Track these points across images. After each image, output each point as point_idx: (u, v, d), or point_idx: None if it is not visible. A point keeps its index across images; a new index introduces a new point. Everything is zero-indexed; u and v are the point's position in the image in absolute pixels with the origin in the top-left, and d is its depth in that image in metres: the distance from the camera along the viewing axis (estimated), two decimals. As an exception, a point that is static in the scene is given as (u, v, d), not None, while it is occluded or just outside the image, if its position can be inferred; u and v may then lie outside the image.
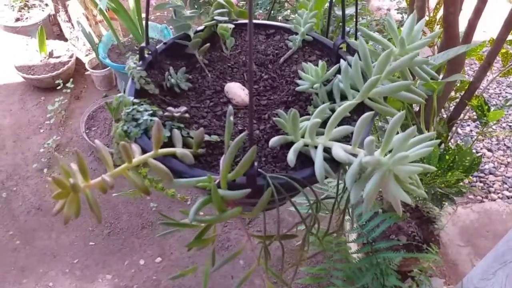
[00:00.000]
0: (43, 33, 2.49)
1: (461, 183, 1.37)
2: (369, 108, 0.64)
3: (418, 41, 0.66)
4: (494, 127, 2.44)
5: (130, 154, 0.52)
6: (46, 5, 2.83)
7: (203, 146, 0.60)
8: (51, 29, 2.84)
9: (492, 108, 1.49)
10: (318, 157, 0.54)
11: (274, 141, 0.58)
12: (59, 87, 2.41)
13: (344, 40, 0.70)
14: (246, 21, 0.81)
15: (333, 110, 0.63)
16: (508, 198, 2.15)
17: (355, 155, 0.53)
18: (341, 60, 0.66)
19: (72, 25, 2.55)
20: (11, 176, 2.21)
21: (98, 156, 2.23)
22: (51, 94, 2.56)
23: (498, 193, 2.18)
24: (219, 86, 0.71)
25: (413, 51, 0.66)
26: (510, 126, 2.44)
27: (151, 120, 0.59)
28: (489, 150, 2.34)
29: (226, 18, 0.76)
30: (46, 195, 2.15)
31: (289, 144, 0.60)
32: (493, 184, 2.21)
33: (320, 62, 0.65)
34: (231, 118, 0.55)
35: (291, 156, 0.55)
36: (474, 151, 1.97)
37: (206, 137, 0.60)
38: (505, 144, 2.36)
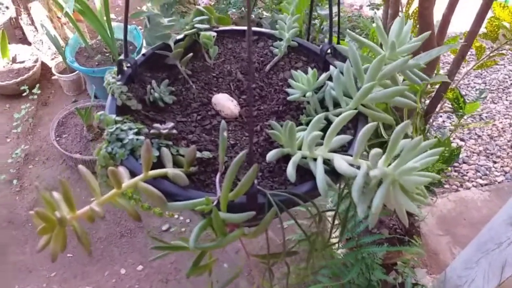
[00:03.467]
0: (5, 37, 2.37)
1: (441, 174, 1.39)
2: (363, 115, 0.62)
3: (407, 44, 0.64)
4: (465, 117, 2.50)
5: (119, 180, 0.49)
6: (7, 7, 2.69)
7: (195, 163, 0.57)
8: (13, 32, 2.70)
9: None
10: (319, 170, 0.52)
11: (271, 155, 0.55)
12: (24, 94, 2.30)
13: (331, 45, 0.68)
14: (227, 28, 0.79)
15: (326, 119, 0.61)
16: (482, 186, 2.20)
17: (357, 167, 0.52)
18: (331, 67, 0.64)
19: (36, 28, 2.44)
20: (-22, 189, 2.11)
21: (70, 163, 2.15)
22: (17, 101, 2.44)
23: (472, 181, 2.23)
24: (206, 98, 0.68)
25: (403, 54, 0.65)
26: (480, 115, 2.50)
27: (137, 139, 0.56)
28: (462, 140, 2.39)
29: (207, 26, 0.73)
30: (17, 208, 2.06)
31: (285, 157, 0.58)
32: (467, 172, 2.26)
33: (310, 70, 0.63)
34: (225, 133, 0.52)
35: (291, 171, 0.52)
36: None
37: (198, 154, 0.57)
38: (476, 134, 2.42)
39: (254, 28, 0.79)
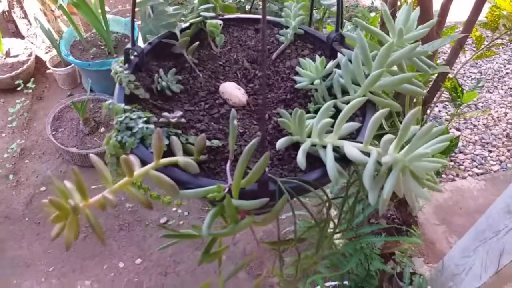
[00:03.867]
0: (-3, 31, 2.35)
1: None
2: (371, 102, 0.62)
3: (415, 32, 0.65)
4: (461, 107, 2.51)
5: (131, 168, 0.49)
6: (-1, 1, 2.67)
7: (205, 152, 0.57)
8: (6, 26, 2.67)
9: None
10: (329, 158, 0.52)
11: (281, 143, 0.55)
12: (19, 88, 2.28)
13: (338, 32, 0.68)
14: (233, 16, 0.78)
15: (334, 107, 0.61)
16: (478, 175, 2.22)
17: (366, 153, 0.52)
18: (339, 54, 0.64)
19: (29, 21, 2.41)
20: (-26, 184, 2.10)
21: (66, 157, 2.14)
22: (11, 96, 2.42)
23: (468, 170, 2.25)
24: (213, 87, 0.68)
25: (410, 41, 0.65)
26: (475, 105, 2.52)
27: (147, 128, 0.56)
28: (458, 129, 2.41)
29: (213, 14, 0.73)
30: (13, 203, 2.04)
31: (294, 145, 0.58)
32: (463, 162, 2.28)
33: (318, 57, 0.63)
34: (235, 122, 0.52)
35: (301, 159, 0.53)
36: (444, 131, 2.02)
37: (207, 142, 0.57)
38: (472, 123, 2.43)
39: (259, 16, 0.79)
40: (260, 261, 1.81)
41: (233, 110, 0.52)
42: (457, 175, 2.24)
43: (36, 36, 2.46)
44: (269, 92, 0.67)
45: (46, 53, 2.46)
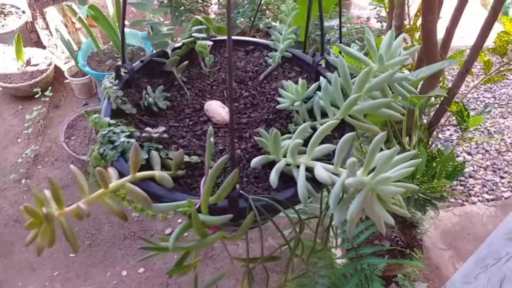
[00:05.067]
0: (20, 41, 2.44)
1: (444, 188, 1.38)
2: (350, 125, 0.64)
3: (396, 58, 0.66)
4: (472, 131, 2.48)
5: (106, 180, 0.51)
6: (23, 12, 2.77)
7: (183, 167, 0.59)
8: (29, 36, 2.78)
9: (472, 113, 1.51)
10: (300, 177, 0.53)
11: (256, 161, 0.57)
12: (37, 96, 2.36)
13: (323, 57, 0.70)
14: (225, 37, 0.81)
15: (314, 128, 0.63)
16: (488, 201, 2.18)
17: (337, 175, 0.53)
18: (321, 78, 0.66)
19: (50, 32, 2.51)
20: (-12, 187, 2.16)
21: (77, 165, 2.19)
22: (29, 103, 2.50)
23: (478, 196, 2.21)
24: (199, 104, 0.70)
25: (392, 67, 0.66)
26: (488, 130, 2.49)
27: (128, 142, 0.58)
28: (469, 154, 2.38)
29: (204, 35, 0.75)
30: (24, 207, 2.10)
31: (271, 164, 0.59)
32: (473, 187, 2.24)
33: (300, 80, 0.65)
34: (212, 139, 0.54)
35: (273, 177, 0.54)
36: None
37: (186, 158, 0.59)
38: (483, 148, 2.40)
39: (250, 39, 0.81)
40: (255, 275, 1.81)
41: (210, 127, 0.54)
42: (467, 200, 2.21)
43: (56, 46, 2.54)
44: (253, 111, 0.69)
45: (65, 63, 2.55)
